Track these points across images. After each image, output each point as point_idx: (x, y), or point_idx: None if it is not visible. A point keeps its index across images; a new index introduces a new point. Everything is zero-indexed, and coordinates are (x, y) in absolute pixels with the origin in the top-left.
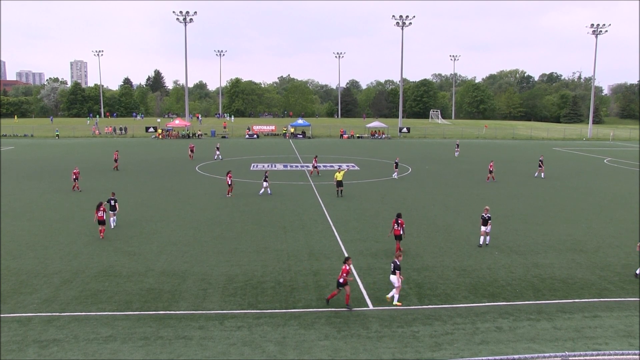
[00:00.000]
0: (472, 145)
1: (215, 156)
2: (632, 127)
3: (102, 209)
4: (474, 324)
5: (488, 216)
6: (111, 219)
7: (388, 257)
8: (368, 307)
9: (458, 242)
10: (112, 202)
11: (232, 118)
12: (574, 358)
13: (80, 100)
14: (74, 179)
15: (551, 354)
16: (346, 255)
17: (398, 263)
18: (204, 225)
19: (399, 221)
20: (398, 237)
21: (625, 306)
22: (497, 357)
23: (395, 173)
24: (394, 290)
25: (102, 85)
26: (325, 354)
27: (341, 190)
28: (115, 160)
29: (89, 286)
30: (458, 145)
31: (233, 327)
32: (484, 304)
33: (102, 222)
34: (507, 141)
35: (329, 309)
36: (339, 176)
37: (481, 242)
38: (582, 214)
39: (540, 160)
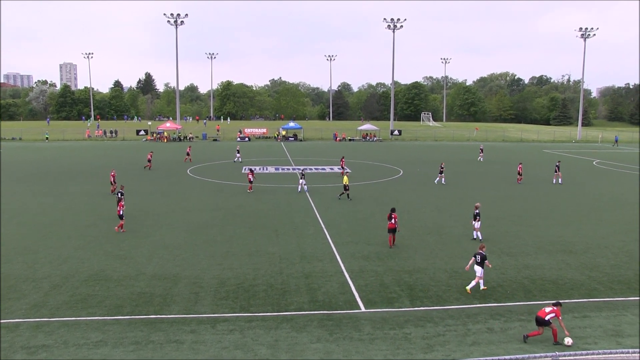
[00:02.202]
0: (464, 148)
1: (236, 159)
2: (620, 129)
3: (120, 204)
4: (465, 326)
5: (477, 212)
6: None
7: (380, 260)
8: (360, 309)
9: (449, 243)
10: (119, 195)
11: (229, 120)
12: (564, 358)
13: (69, 103)
14: (112, 182)
15: (541, 354)
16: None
17: (484, 253)
18: (196, 228)
19: (393, 215)
20: (392, 230)
21: (613, 306)
22: (488, 358)
23: (442, 178)
24: (476, 279)
25: (92, 88)
26: (318, 357)
27: (348, 194)
28: (149, 161)
29: (79, 291)
30: (482, 150)
31: (225, 330)
32: (475, 306)
33: (120, 217)
34: (497, 143)
35: (321, 311)
36: (345, 180)
37: (475, 237)
38: (572, 216)
39: (557, 166)
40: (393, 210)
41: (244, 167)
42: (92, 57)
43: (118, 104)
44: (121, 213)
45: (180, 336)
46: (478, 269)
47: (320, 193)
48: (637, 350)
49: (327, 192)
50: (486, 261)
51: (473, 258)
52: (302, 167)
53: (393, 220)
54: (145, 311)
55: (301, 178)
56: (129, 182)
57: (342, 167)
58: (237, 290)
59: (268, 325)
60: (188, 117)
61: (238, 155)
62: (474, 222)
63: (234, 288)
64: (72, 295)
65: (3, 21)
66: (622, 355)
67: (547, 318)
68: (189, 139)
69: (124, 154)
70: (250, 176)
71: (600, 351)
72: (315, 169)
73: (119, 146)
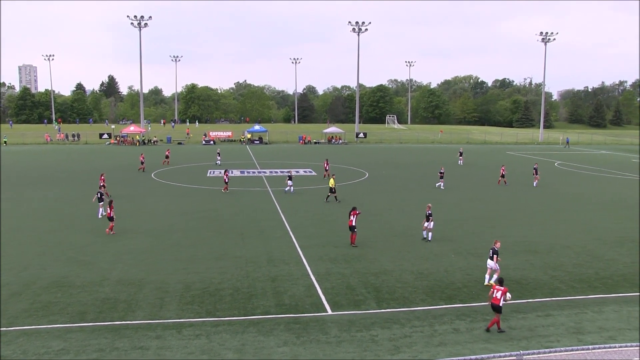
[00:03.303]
0: (428, 150)
1: (218, 161)
2: (580, 131)
3: (111, 207)
4: (432, 327)
5: (429, 213)
6: (100, 210)
7: (346, 262)
8: (327, 312)
9: (415, 245)
10: (99, 195)
11: (197, 123)
12: (528, 357)
13: (29, 106)
14: (102, 186)
15: (506, 353)
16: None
17: (497, 249)
18: (161, 232)
19: (352, 213)
20: (351, 229)
21: (575, 304)
22: (454, 359)
23: (441, 183)
24: (488, 273)
25: (54, 91)
26: None
27: (335, 196)
28: (142, 162)
29: (40, 298)
30: (461, 153)
31: (191, 335)
32: (441, 307)
33: (110, 218)
34: (462, 145)
35: (287, 315)
36: (331, 182)
37: (424, 236)
38: (536, 216)
39: (534, 169)
40: (353, 208)
41: (209, 171)
42: (52, 59)
43: (80, 107)
44: (112, 215)
45: (146, 342)
46: (490, 263)
47: (287, 196)
48: (597, 346)
49: (294, 194)
50: (496, 256)
51: (489, 252)
52: (289, 170)
53: (352, 218)
54: (109, 317)
55: (289, 179)
56: (93, 187)
57: (326, 169)
58: (203, 295)
59: (234, 330)
60: (150, 120)
61: (218, 158)
62: (426, 222)
63: (199, 292)
64: (33, 303)
65: None
66: (583, 352)
67: (501, 304)
68: (153, 142)
69: (88, 157)
70: (225, 177)
71: (562, 348)
72: (281, 172)
73: (82, 150)
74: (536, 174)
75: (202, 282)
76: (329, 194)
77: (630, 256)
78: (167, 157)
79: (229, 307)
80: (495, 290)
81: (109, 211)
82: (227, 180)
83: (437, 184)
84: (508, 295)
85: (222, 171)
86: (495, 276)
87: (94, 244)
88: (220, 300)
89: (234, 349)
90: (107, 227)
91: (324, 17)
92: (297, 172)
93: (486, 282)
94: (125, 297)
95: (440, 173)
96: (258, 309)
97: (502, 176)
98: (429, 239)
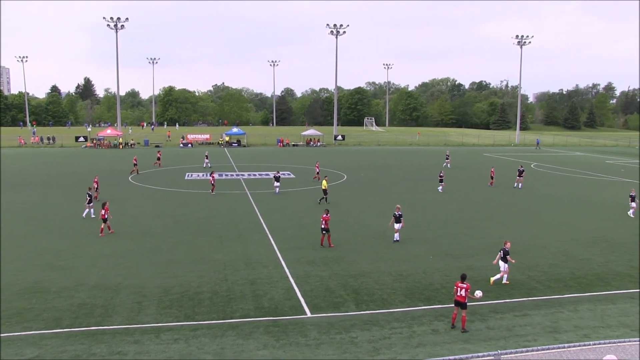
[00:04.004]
0: (407, 152)
1: (205, 164)
2: (555, 133)
3: (105, 208)
4: (410, 328)
5: (399, 214)
6: (86, 210)
7: (325, 264)
8: (306, 314)
9: (394, 247)
10: (89, 196)
11: (177, 126)
12: (506, 357)
13: (2, 109)
14: (95, 189)
15: (484, 353)
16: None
17: (507, 249)
18: (138, 236)
19: (322, 217)
20: (323, 230)
21: (551, 303)
22: (433, 359)
23: (440, 187)
24: (500, 273)
25: (27, 93)
26: None
27: (326, 198)
28: (135, 165)
29: (13, 304)
30: (448, 156)
31: (169, 340)
32: (420, 308)
33: (104, 220)
34: (440, 148)
35: (267, 318)
36: (324, 184)
37: (396, 238)
38: (513, 217)
39: (519, 170)
40: (326, 212)
41: (187, 174)
42: (26, 60)
43: (56, 110)
44: (105, 216)
45: (123, 347)
46: (502, 264)
47: (266, 198)
48: (573, 345)
49: (272, 198)
50: (508, 257)
51: (499, 253)
52: (276, 171)
53: (322, 221)
54: (85, 323)
55: (276, 181)
56: (67, 191)
57: (317, 172)
58: (181, 299)
59: (213, 334)
60: (126, 123)
61: (207, 160)
62: (396, 224)
63: (178, 296)
64: (5, 310)
65: None
66: (559, 350)
67: (467, 301)
68: (131, 145)
69: (64, 161)
70: (211, 178)
71: (539, 347)
72: (259, 174)
73: (57, 153)
74: (520, 176)
75: (180, 286)
76: (323, 195)
77: (604, 255)
78: (158, 158)
79: (207, 311)
80: (459, 289)
81: (102, 213)
82: (213, 183)
83: (439, 188)
84: (478, 293)
85: (207, 174)
86: (504, 277)
87: (70, 248)
88: (198, 304)
89: (213, 352)
90: (100, 228)
91: (302, 20)
92: (284, 174)
93: (494, 279)
94: (102, 302)
95: (440, 177)
96: (237, 312)
97: (492, 177)
98: (398, 239)
